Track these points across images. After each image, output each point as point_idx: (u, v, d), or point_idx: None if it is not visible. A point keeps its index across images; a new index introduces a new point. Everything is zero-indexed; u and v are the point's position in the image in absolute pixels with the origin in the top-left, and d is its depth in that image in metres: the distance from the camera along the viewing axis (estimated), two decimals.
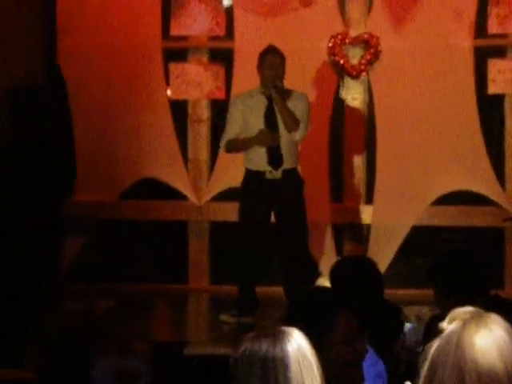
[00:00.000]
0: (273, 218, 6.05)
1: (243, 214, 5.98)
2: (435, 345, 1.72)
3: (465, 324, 1.71)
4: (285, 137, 5.87)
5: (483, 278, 3.72)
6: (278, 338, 2.03)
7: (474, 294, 3.35)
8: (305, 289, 5.89)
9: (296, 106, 5.87)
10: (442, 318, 1.80)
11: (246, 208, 5.97)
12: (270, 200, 5.93)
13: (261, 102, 5.91)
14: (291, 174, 5.95)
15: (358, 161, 7.05)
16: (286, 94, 5.89)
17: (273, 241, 6.05)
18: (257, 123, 5.89)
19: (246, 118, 5.93)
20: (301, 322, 2.42)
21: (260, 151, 5.89)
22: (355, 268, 3.80)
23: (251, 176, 5.95)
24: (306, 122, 5.90)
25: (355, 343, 2.50)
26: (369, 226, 7.00)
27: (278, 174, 5.90)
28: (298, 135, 5.86)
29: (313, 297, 2.63)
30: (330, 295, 2.65)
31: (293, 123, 5.81)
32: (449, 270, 3.71)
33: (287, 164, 5.91)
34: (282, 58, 5.89)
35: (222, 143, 6.04)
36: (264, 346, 2.01)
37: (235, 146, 5.99)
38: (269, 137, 5.85)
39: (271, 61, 5.84)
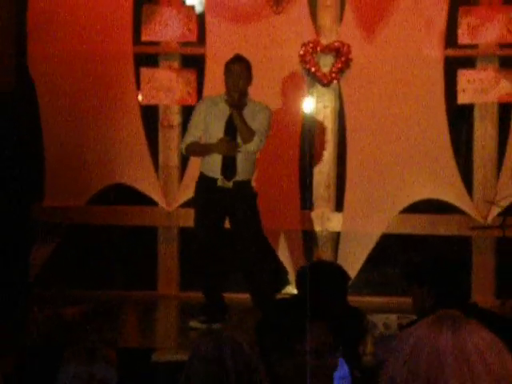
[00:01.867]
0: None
1: (196, 219, 6.01)
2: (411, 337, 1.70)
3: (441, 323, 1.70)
4: (243, 148, 5.89)
5: (466, 286, 3.73)
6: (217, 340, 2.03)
7: (455, 301, 3.36)
8: (271, 297, 5.93)
9: (255, 117, 5.89)
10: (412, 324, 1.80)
11: (198, 213, 5.99)
12: (221, 207, 5.93)
13: (223, 111, 5.92)
14: (243, 185, 5.95)
15: (328, 168, 7.08)
16: (247, 104, 5.90)
17: (231, 247, 6.06)
18: (217, 131, 5.92)
19: (207, 124, 5.96)
20: (272, 331, 2.43)
21: (215, 159, 5.91)
22: (319, 272, 3.81)
23: (203, 181, 5.98)
24: (263, 134, 5.91)
25: (326, 355, 2.50)
26: (338, 234, 7.02)
27: (229, 183, 5.92)
28: (251, 147, 5.87)
29: (284, 306, 2.63)
30: (302, 305, 2.65)
31: (248, 135, 5.84)
32: (435, 273, 3.67)
33: (240, 176, 5.93)
34: (245, 66, 5.90)
35: (183, 144, 6.08)
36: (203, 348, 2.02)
37: (195, 150, 6.04)
38: (228, 146, 5.87)
39: (233, 70, 5.87)
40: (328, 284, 3.72)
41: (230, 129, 5.91)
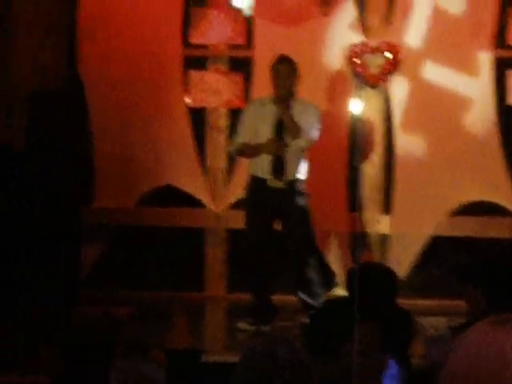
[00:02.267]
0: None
1: (247, 221, 6.02)
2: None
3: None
4: (292, 148, 5.90)
5: None
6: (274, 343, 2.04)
7: (507, 304, 3.33)
8: (320, 298, 5.93)
9: (303, 115, 5.92)
10: (470, 325, 1.79)
11: (250, 215, 6.01)
12: (272, 208, 5.95)
13: (271, 112, 5.96)
14: (294, 184, 5.96)
15: (376, 170, 7.05)
16: (295, 103, 5.92)
17: (281, 248, 6.07)
18: (265, 132, 5.95)
19: (255, 125, 5.99)
20: (320, 334, 2.44)
21: (264, 159, 5.94)
22: (369, 273, 3.80)
23: (254, 182, 6.01)
24: (312, 131, 5.93)
25: (373, 356, 2.50)
26: (387, 236, 6.99)
27: (280, 183, 5.93)
28: (301, 142, 5.90)
29: (332, 309, 2.65)
30: (351, 306, 2.65)
31: (295, 130, 5.88)
32: (489, 275, 3.64)
33: (290, 175, 5.94)
34: (292, 66, 5.93)
35: (233, 146, 6.12)
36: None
37: (244, 151, 6.08)
38: (277, 145, 5.90)
39: (280, 70, 5.89)
40: (378, 285, 3.71)
41: (279, 129, 5.94)
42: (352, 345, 2.50)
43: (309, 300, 5.99)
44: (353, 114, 7.00)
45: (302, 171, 6.04)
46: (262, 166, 5.96)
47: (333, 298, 6.32)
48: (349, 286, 3.75)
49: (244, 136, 6.05)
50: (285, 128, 5.91)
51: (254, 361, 2.03)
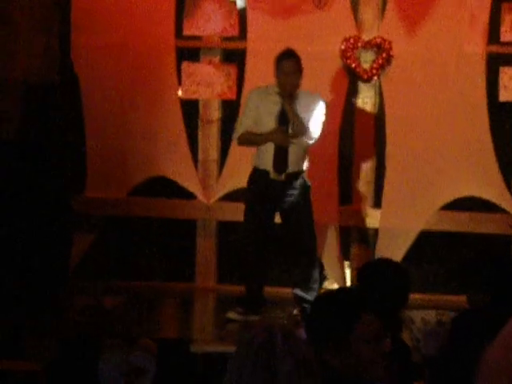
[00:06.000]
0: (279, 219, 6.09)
1: (246, 211, 6.02)
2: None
3: None
4: (298, 141, 5.90)
5: None
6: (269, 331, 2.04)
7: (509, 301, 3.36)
8: (314, 293, 5.94)
9: (309, 108, 5.90)
10: (467, 317, 1.81)
11: (250, 206, 6.01)
12: (273, 200, 5.95)
13: (275, 103, 5.93)
14: (296, 177, 5.97)
15: (368, 164, 7.07)
16: (300, 95, 5.91)
17: (278, 240, 6.08)
18: (268, 122, 5.92)
19: (259, 114, 5.96)
20: (323, 320, 2.45)
21: (269, 151, 5.91)
22: (385, 271, 3.80)
23: (256, 174, 5.99)
24: (318, 125, 5.92)
25: (379, 342, 2.53)
26: (377, 230, 7.01)
27: (281, 176, 5.93)
28: (307, 140, 5.89)
29: (336, 296, 2.66)
30: (353, 295, 2.67)
31: (300, 129, 5.84)
32: (492, 271, 3.68)
33: (293, 168, 5.93)
34: (297, 61, 5.90)
35: (236, 134, 6.07)
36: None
37: (249, 139, 6.00)
38: (283, 135, 5.87)
39: (285, 66, 5.87)
40: (390, 282, 3.70)
41: (282, 120, 5.91)
42: (357, 333, 2.51)
43: (303, 294, 5.99)
44: (345, 108, 7.05)
45: (305, 163, 6.04)
46: (265, 158, 5.92)
47: (323, 290, 6.35)
48: (360, 278, 3.75)
49: (247, 124, 5.98)
50: (290, 125, 5.87)
51: (252, 350, 2.04)
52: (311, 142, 5.92)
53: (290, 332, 2.04)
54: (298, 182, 5.97)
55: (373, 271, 3.75)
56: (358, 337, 2.51)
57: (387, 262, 3.93)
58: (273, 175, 5.92)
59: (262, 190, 5.94)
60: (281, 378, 1.98)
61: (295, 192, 5.95)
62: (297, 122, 5.82)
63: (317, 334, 2.48)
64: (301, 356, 2.01)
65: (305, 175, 6.05)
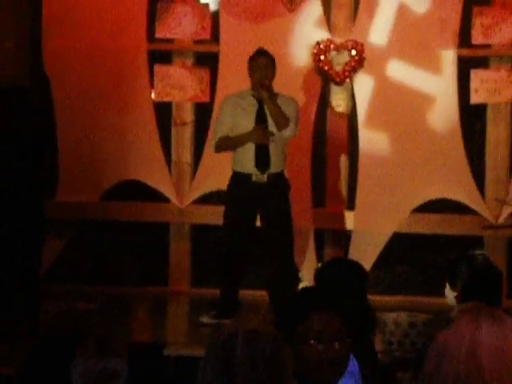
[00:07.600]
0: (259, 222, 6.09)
1: (227, 216, 6.01)
2: (444, 334, 1.73)
3: (478, 313, 1.73)
4: (274, 139, 5.92)
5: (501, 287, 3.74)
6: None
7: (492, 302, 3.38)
8: (288, 294, 5.94)
9: (285, 108, 5.92)
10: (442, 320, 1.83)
11: (230, 210, 5.99)
12: (255, 203, 5.96)
13: (251, 104, 5.95)
14: (278, 177, 5.98)
15: (341, 167, 7.09)
16: (275, 95, 5.94)
17: (256, 244, 6.08)
18: (246, 125, 5.93)
19: (235, 119, 5.97)
20: (279, 319, 2.45)
21: (248, 153, 5.92)
22: (340, 269, 3.81)
23: (237, 178, 5.98)
24: (295, 122, 5.95)
25: (333, 342, 2.48)
26: (350, 232, 7.04)
27: (264, 177, 5.93)
28: (287, 132, 5.91)
29: (296, 295, 2.65)
30: (305, 294, 2.65)
31: (283, 120, 5.87)
32: (469, 271, 3.71)
33: (274, 168, 5.95)
34: (271, 59, 5.96)
35: (213, 141, 6.07)
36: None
37: (227, 144, 6.00)
38: (262, 133, 5.89)
39: (260, 62, 5.91)
40: (347, 280, 3.70)
41: (260, 120, 5.93)
42: (308, 330, 2.46)
43: (278, 296, 5.99)
44: (318, 111, 7.07)
45: (284, 163, 6.05)
46: (246, 161, 5.92)
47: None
48: (317, 278, 3.75)
49: (223, 130, 5.99)
50: (271, 117, 5.89)
51: (215, 352, 2.04)
52: (292, 133, 5.94)
53: (253, 333, 2.03)
54: (280, 183, 5.98)
55: (329, 271, 3.76)
56: (300, 336, 2.46)
57: (343, 261, 3.94)
58: (255, 177, 5.93)
59: (244, 194, 5.94)
60: (239, 380, 1.98)
61: (277, 193, 5.96)
62: (278, 114, 5.84)
63: (283, 329, 2.46)
64: (263, 357, 2.01)
65: (284, 175, 6.06)
